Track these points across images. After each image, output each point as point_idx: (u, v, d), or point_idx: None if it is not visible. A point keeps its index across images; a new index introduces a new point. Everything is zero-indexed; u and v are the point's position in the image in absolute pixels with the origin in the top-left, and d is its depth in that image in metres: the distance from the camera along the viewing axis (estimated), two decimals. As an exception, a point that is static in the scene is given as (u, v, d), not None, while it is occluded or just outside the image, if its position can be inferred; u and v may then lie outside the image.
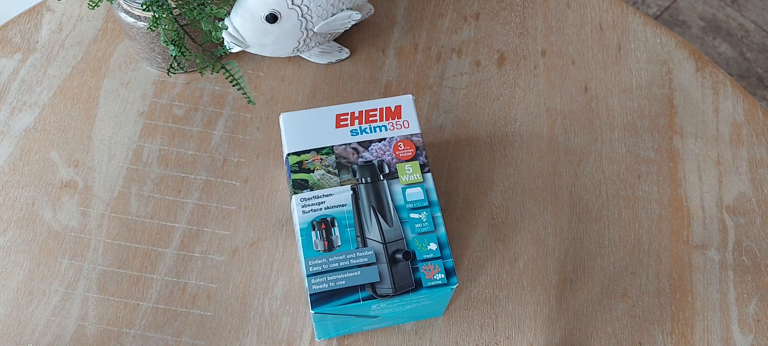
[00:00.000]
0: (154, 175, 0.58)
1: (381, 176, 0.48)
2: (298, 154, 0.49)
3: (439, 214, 0.47)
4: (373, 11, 0.65)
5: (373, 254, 0.46)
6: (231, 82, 0.55)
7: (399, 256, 0.46)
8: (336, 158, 0.49)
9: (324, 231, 0.46)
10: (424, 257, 0.46)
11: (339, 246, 0.46)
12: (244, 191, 0.57)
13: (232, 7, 0.57)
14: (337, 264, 0.45)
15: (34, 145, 0.59)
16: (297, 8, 0.56)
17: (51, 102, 0.61)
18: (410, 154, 0.49)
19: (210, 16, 0.54)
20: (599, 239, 0.56)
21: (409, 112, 0.51)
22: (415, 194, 0.48)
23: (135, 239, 0.55)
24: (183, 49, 0.54)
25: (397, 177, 0.48)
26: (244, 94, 0.56)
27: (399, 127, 0.50)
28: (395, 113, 0.51)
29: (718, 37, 1.42)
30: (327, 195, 0.47)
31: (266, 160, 0.59)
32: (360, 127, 0.50)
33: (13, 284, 0.53)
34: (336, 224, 0.46)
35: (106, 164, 0.58)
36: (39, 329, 0.52)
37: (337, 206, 0.47)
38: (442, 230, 0.47)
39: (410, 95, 0.52)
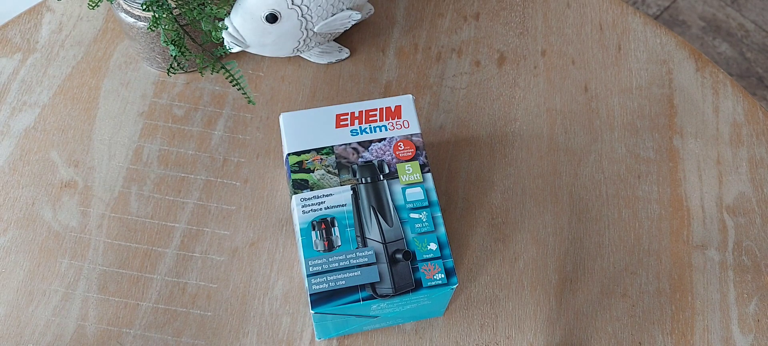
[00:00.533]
0: (154, 175, 0.58)
1: (381, 176, 0.48)
2: (298, 154, 0.49)
3: (439, 214, 0.47)
4: (373, 11, 0.65)
5: (373, 254, 0.46)
6: (231, 82, 0.55)
7: (399, 256, 0.46)
8: (336, 158, 0.49)
9: (324, 231, 0.46)
10: (424, 257, 0.46)
11: (339, 246, 0.46)
12: (244, 191, 0.57)
13: (232, 7, 0.57)
14: (337, 264, 0.45)
15: (34, 145, 0.59)
16: (297, 8, 0.56)
17: (51, 102, 0.61)
18: (410, 154, 0.49)
19: (210, 16, 0.54)
20: (599, 239, 0.56)
21: (409, 112, 0.51)
22: (415, 194, 0.48)
23: (135, 239, 0.55)
24: (183, 49, 0.54)
25: (397, 177, 0.48)
26: (244, 94, 0.56)
27: (399, 127, 0.50)
28: (395, 113, 0.51)
29: (718, 37, 1.42)
30: (327, 195, 0.47)
31: (266, 160, 0.59)
32: (360, 127, 0.50)
33: (13, 284, 0.53)
34: (336, 224, 0.46)
35: (106, 164, 0.58)
36: (39, 329, 0.52)
37: (337, 206, 0.47)
38: (442, 230, 0.47)
39: (410, 95, 0.52)
